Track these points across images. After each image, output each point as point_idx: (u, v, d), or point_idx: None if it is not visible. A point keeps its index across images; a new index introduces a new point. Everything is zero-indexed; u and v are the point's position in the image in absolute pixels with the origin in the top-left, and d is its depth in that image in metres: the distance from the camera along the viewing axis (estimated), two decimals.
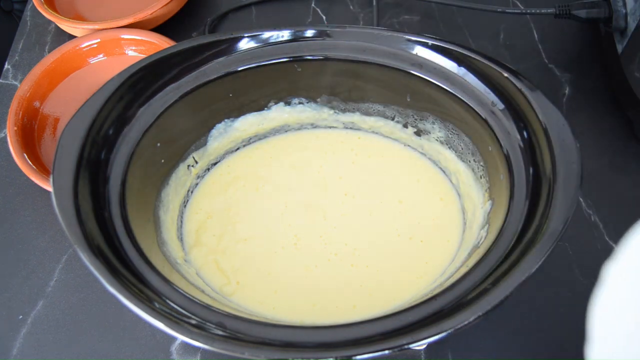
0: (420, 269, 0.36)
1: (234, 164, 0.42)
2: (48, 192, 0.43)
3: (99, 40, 0.49)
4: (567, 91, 0.48)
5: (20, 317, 0.39)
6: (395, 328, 0.27)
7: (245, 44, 0.38)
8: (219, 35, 0.38)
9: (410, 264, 0.37)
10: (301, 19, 0.54)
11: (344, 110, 0.42)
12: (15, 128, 0.43)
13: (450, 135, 0.39)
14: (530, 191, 0.31)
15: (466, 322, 0.26)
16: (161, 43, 0.48)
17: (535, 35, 0.51)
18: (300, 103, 0.41)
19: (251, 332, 0.27)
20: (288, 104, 0.41)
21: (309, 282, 0.36)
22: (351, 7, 0.54)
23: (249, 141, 0.43)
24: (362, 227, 0.39)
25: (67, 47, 0.48)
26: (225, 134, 0.41)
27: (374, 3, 0.53)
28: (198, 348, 0.37)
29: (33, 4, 0.56)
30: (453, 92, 0.36)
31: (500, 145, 0.34)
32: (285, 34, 0.38)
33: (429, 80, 0.37)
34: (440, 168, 0.41)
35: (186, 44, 0.37)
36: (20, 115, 0.44)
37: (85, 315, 0.39)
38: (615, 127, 0.45)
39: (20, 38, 0.54)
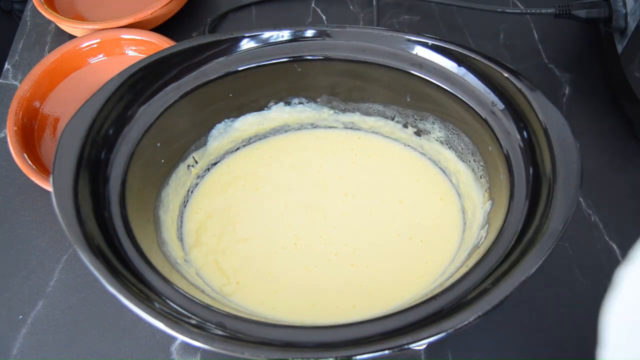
0: (420, 269, 0.36)
1: (234, 164, 0.42)
2: (48, 192, 0.43)
3: (99, 40, 0.49)
4: (567, 91, 0.48)
5: (20, 317, 0.39)
6: (395, 328, 0.27)
7: (245, 44, 0.38)
8: (219, 35, 0.38)
9: (410, 264, 0.37)
10: (301, 19, 0.54)
11: (344, 110, 0.42)
12: (15, 128, 0.43)
13: (450, 135, 0.39)
14: (530, 191, 0.31)
15: (466, 322, 0.26)
16: (161, 43, 0.48)
17: (535, 35, 0.51)
18: (300, 103, 0.41)
19: (251, 332, 0.27)
20: (288, 104, 0.41)
21: (309, 282, 0.36)
22: (351, 7, 0.54)
23: (249, 141, 0.43)
24: (362, 227, 0.39)
25: (67, 47, 0.48)
26: (225, 134, 0.41)
27: (374, 3, 0.53)
28: (198, 348, 0.37)
29: (33, 4, 0.56)
30: (453, 92, 0.36)
31: (500, 145, 0.34)
32: (285, 34, 0.38)
33: (429, 80, 0.37)
34: (440, 168, 0.41)
35: (186, 44, 0.37)
36: (20, 115, 0.44)
37: (85, 315, 0.39)
38: (615, 127, 0.45)
39: (20, 38, 0.54)
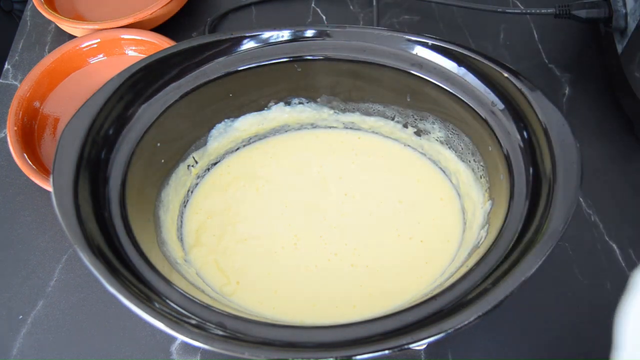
0: (420, 269, 0.36)
1: (234, 164, 0.42)
2: (48, 192, 0.43)
3: (99, 40, 0.49)
4: (567, 91, 0.48)
5: (20, 317, 0.39)
6: (395, 328, 0.27)
7: (245, 44, 0.38)
8: (219, 35, 0.38)
9: (410, 264, 0.37)
10: (301, 19, 0.54)
11: (344, 110, 0.42)
12: (15, 128, 0.43)
13: (450, 135, 0.39)
14: (530, 191, 0.31)
15: (466, 322, 0.26)
16: (161, 43, 0.48)
17: (535, 35, 0.51)
18: (300, 103, 0.41)
19: (251, 332, 0.27)
20: (288, 104, 0.41)
21: (309, 282, 0.36)
22: (351, 7, 0.54)
23: (249, 141, 0.43)
24: (362, 227, 0.39)
25: (67, 47, 0.48)
26: (225, 134, 0.41)
27: (374, 3, 0.53)
28: (198, 348, 0.37)
29: (33, 4, 0.56)
30: (453, 92, 0.36)
31: (500, 145, 0.34)
32: (285, 34, 0.38)
33: (429, 80, 0.37)
34: (440, 168, 0.41)
35: (186, 44, 0.37)
36: (20, 115, 0.44)
37: (85, 315, 0.39)
38: (615, 127, 0.45)
39: (20, 38, 0.54)
